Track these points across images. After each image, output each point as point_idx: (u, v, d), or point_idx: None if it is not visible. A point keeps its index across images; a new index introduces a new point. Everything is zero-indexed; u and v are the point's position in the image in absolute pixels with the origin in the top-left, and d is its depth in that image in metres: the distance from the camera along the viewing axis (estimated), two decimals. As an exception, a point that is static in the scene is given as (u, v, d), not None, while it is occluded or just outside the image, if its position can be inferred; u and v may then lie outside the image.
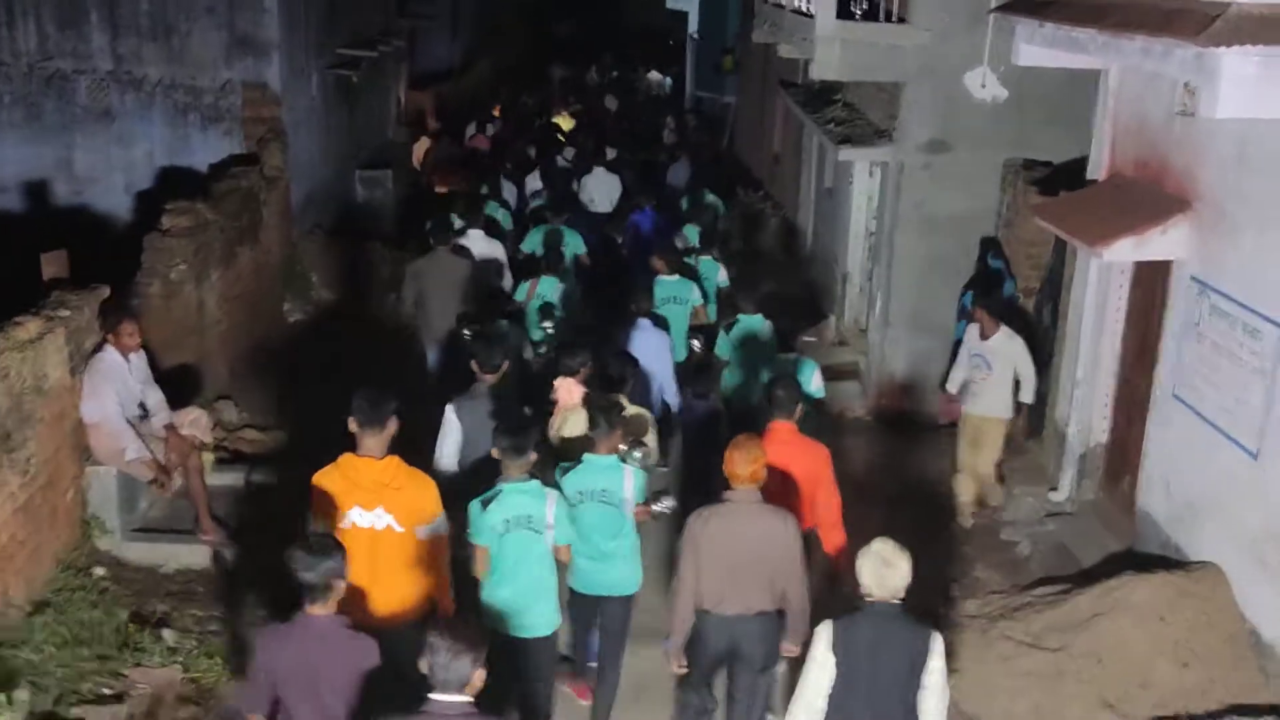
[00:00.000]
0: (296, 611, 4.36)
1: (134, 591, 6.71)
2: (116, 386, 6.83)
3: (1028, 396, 8.32)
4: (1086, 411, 8.32)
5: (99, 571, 6.76)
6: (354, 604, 4.78)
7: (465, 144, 19.92)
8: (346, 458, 5.16)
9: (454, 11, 26.79)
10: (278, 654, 4.33)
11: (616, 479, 5.85)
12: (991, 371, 8.16)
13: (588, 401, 6.50)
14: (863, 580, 4.51)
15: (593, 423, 5.95)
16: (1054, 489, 8.56)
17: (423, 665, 3.82)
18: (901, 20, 10.02)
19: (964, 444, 8.47)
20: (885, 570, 4.48)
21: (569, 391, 6.93)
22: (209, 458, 7.54)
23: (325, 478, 5.15)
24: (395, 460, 5.18)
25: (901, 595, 4.53)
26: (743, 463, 5.26)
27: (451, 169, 17.29)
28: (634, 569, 6.05)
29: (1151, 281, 7.64)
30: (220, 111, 13.11)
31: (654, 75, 31.86)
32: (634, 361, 7.25)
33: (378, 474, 5.10)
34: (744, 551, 5.23)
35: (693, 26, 29.43)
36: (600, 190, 14.54)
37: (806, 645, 4.86)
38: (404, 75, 24.33)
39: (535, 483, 5.54)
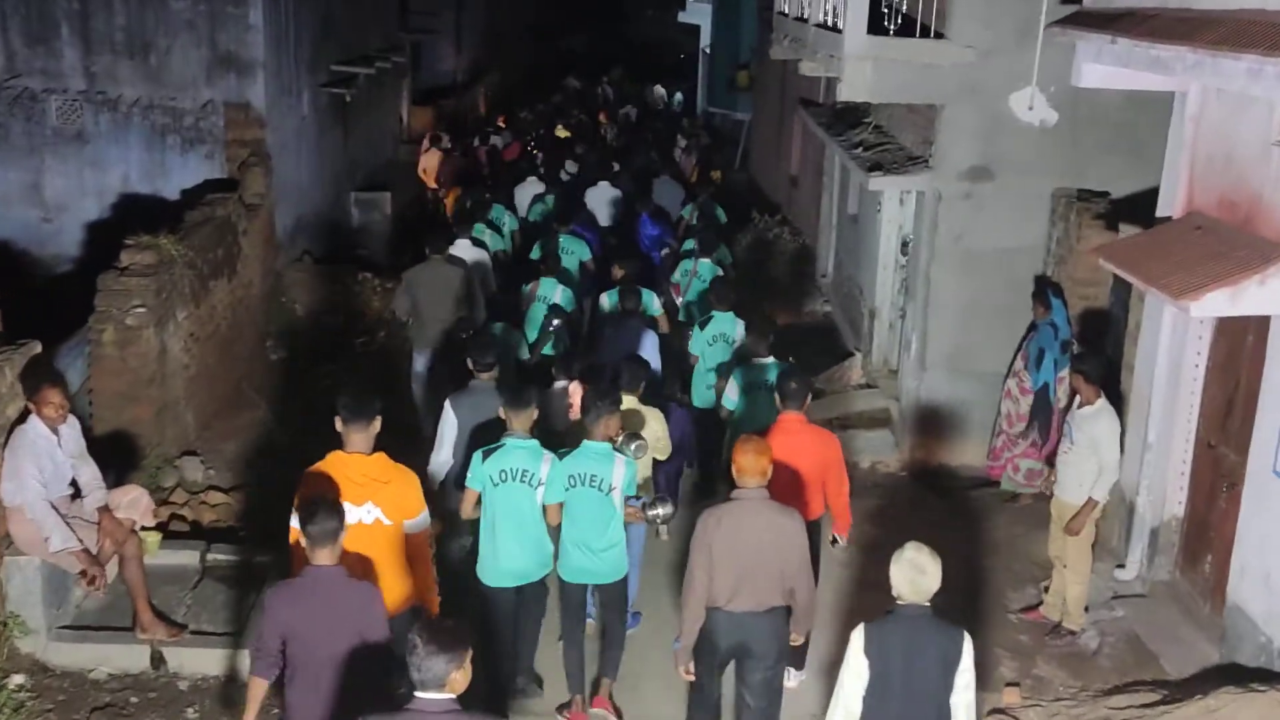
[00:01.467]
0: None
1: (57, 704, 5.73)
2: (43, 464, 5.85)
3: (1099, 491, 6.78)
4: (1159, 480, 7.32)
5: (17, 680, 5.78)
6: None
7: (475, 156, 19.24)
8: (335, 455, 5.26)
9: (458, 25, 25.95)
10: (288, 608, 4.49)
11: (607, 466, 5.95)
12: (1073, 445, 6.91)
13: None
14: (895, 584, 4.54)
15: (585, 409, 6.09)
16: (1121, 565, 7.56)
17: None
18: (940, 36, 9.05)
19: (1052, 527, 7.27)
20: (918, 577, 4.51)
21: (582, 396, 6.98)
22: (154, 538, 6.57)
23: (314, 475, 5.22)
24: (383, 456, 5.29)
25: (931, 598, 4.55)
26: (750, 461, 5.28)
27: (461, 182, 16.76)
28: (621, 558, 6.14)
29: (1240, 335, 6.65)
30: (201, 133, 12.21)
31: (658, 90, 30.81)
32: (645, 364, 7.35)
33: (367, 469, 5.20)
34: (754, 549, 5.26)
35: (705, 40, 28.54)
36: (602, 203, 14.19)
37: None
38: (406, 91, 23.48)
39: (535, 442, 5.95)
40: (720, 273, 10.46)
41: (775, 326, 8.77)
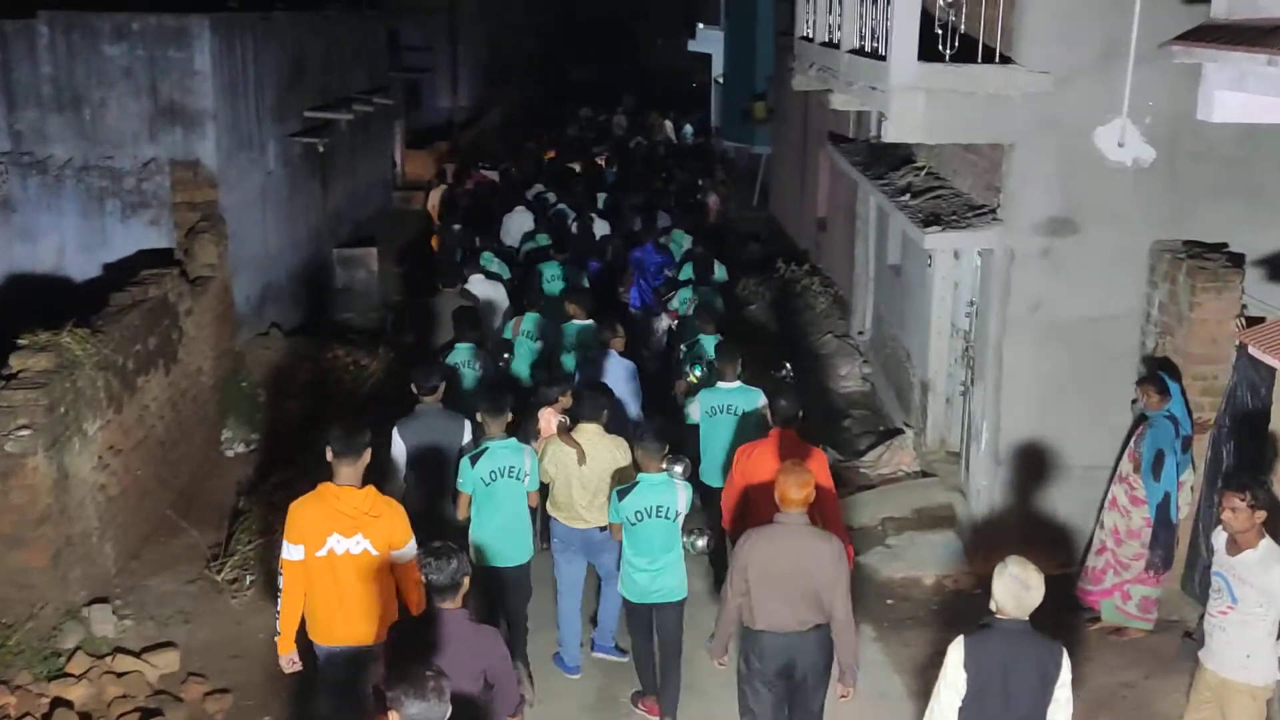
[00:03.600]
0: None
1: None
2: None
3: None
4: (1334, 632, 5.58)
5: None
6: (332, 625, 5.41)
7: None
8: (326, 486, 5.39)
9: (453, 62, 24.51)
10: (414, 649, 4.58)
11: (671, 494, 6.27)
12: (1236, 605, 5.18)
13: (563, 431, 6.89)
14: (997, 598, 4.49)
15: (641, 442, 6.30)
16: (1280, 739, 5.82)
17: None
18: (1007, 60, 7.41)
19: (1194, 705, 5.53)
20: (1023, 592, 4.44)
21: (548, 421, 7.13)
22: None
23: (303, 505, 5.37)
24: (373, 489, 5.44)
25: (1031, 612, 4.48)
26: (794, 488, 5.35)
27: (449, 216, 15.67)
28: (683, 576, 6.47)
29: None
30: (144, 197, 10.70)
31: (667, 124, 29.14)
32: (608, 392, 7.32)
33: (358, 502, 5.35)
34: (793, 572, 5.37)
35: (717, 69, 27.02)
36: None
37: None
38: (399, 133, 22.04)
39: (513, 440, 6.58)
40: (719, 298, 10.51)
41: (800, 387, 8.46)
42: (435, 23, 24.98)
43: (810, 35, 10.19)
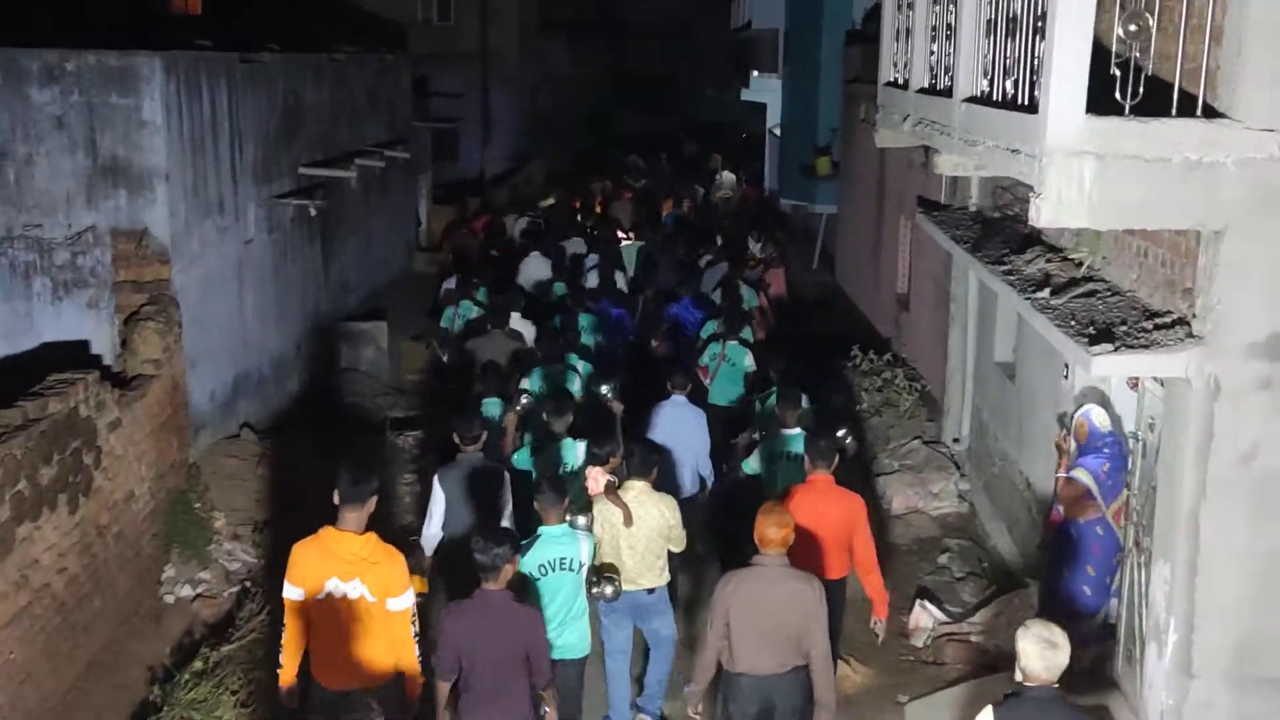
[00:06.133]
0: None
1: None
2: None
3: None
4: None
5: None
6: (326, 668, 5.45)
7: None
8: (327, 530, 5.37)
9: (485, 110, 22.67)
10: (460, 624, 5.21)
11: (574, 546, 6.13)
12: None
13: (610, 490, 6.64)
14: (1024, 662, 4.31)
15: (538, 491, 6.17)
16: None
17: None
18: (1213, 113, 5.21)
19: None
20: (1050, 652, 4.27)
21: (596, 481, 6.82)
22: None
23: (305, 548, 5.39)
24: (373, 536, 5.40)
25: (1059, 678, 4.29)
26: (773, 529, 5.42)
27: (458, 258, 15.70)
28: (587, 632, 6.28)
29: None
30: (80, 274, 8.79)
31: (726, 175, 27.11)
32: (658, 449, 7.12)
33: (357, 549, 5.34)
34: (773, 614, 5.41)
35: (773, 120, 24.94)
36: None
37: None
38: (426, 189, 20.19)
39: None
40: (748, 353, 10.03)
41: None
42: (469, 69, 23.27)
43: (901, 80, 8.05)
